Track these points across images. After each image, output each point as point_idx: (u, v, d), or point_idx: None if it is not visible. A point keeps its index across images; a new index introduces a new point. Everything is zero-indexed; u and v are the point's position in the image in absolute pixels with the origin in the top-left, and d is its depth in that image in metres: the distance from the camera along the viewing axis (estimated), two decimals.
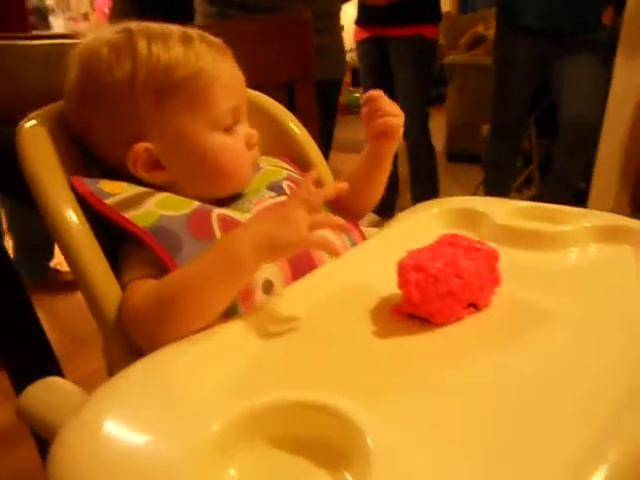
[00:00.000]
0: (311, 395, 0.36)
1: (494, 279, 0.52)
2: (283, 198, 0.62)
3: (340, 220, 0.53)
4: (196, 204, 0.56)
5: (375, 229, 0.73)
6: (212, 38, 0.60)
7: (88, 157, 0.59)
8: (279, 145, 0.73)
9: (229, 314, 0.49)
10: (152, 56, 0.55)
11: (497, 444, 0.35)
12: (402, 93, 2.20)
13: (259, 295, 0.53)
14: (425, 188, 2.41)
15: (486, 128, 2.28)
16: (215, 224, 0.55)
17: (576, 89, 1.93)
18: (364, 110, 0.66)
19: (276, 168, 0.68)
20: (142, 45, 0.55)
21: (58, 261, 2.04)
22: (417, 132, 2.27)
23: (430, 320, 0.49)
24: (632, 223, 0.64)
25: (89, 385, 0.49)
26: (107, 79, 0.54)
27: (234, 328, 0.47)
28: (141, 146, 0.56)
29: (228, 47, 0.61)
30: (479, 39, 3.29)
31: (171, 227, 0.52)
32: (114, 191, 0.54)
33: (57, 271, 2.05)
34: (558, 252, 0.62)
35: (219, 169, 0.59)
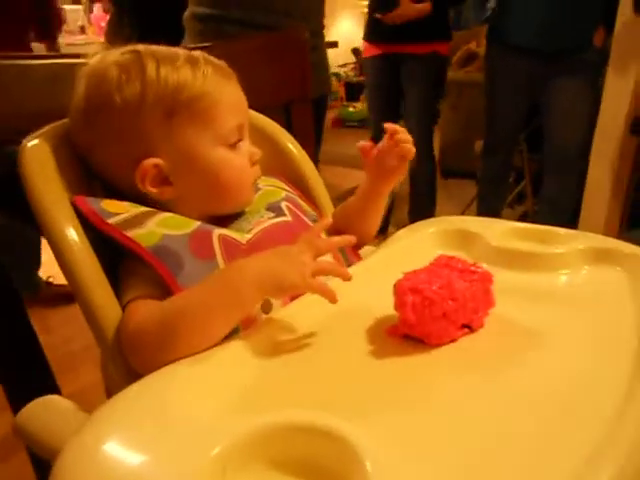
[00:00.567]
0: (310, 418, 0.36)
1: (488, 301, 0.53)
2: (282, 219, 0.64)
3: (343, 270, 0.54)
4: (197, 224, 0.57)
5: (372, 247, 0.74)
6: (216, 61, 0.61)
7: (90, 176, 0.59)
8: (277, 165, 0.74)
9: (228, 334, 0.49)
10: (160, 78, 0.56)
11: (494, 463, 0.35)
12: (412, 109, 2.26)
13: (257, 313, 0.54)
14: (424, 203, 2.45)
15: (479, 144, 2.30)
16: (216, 244, 0.56)
17: (562, 118, 1.96)
18: (385, 143, 0.66)
19: (274, 189, 0.69)
20: (151, 67, 0.56)
21: (50, 274, 2.05)
22: (423, 147, 2.31)
23: (425, 341, 0.50)
24: (624, 246, 0.65)
25: (82, 399, 0.49)
26: (116, 99, 0.55)
27: (233, 349, 0.47)
28: (150, 162, 0.56)
29: (231, 69, 0.62)
30: (472, 56, 3.32)
31: (173, 246, 0.53)
32: (116, 211, 0.55)
33: (49, 284, 2.05)
34: (551, 274, 0.63)
35: (224, 183, 0.60)
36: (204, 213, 0.60)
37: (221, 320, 0.48)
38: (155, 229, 0.54)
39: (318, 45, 1.45)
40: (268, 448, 0.35)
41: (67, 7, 3.32)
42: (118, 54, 0.58)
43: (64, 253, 0.52)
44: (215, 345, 0.47)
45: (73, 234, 0.53)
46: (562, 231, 0.70)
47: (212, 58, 0.61)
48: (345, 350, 0.50)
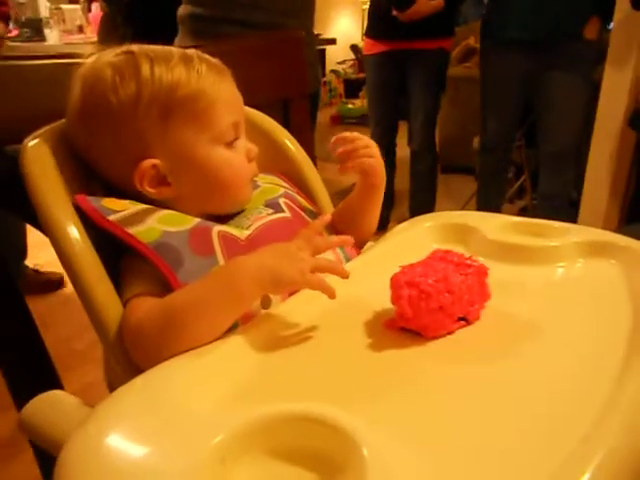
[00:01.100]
0: (308, 408, 0.37)
1: (484, 294, 0.54)
2: (281, 215, 0.64)
3: (341, 267, 0.55)
4: (197, 220, 0.57)
5: (370, 242, 0.75)
6: (211, 59, 0.62)
7: (89, 175, 0.60)
8: (275, 161, 0.75)
9: (228, 329, 0.50)
10: (155, 77, 0.56)
11: (490, 453, 0.36)
12: (419, 105, 2.28)
13: (257, 308, 0.54)
14: (424, 197, 2.46)
15: (477, 140, 2.31)
16: (215, 240, 0.56)
17: (556, 112, 1.96)
18: (339, 150, 0.67)
19: (273, 186, 0.70)
20: (146, 67, 0.57)
21: (37, 262, 2.10)
22: (426, 140, 2.33)
23: (422, 334, 0.50)
24: (619, 239, 0.65)
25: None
26: (111, 100, 0.56)
27: (233, 342, 0.48)
28: (148, 163, 0.57)
29: (225, 66, 0.63)
30: (470, 51, 3.32)
31: (173, 243, 0.54)
32: (117, 208, 0.55)
33: (36, 271, 2.10)
34: (547, 267, 0.64)
35: (222, 182, 0.61)
36: (203, 211, 0.61)
37: (221, 315, 0.49)
38: (155, 226, 0.55)
39: (308, 42, 1.45)
40: (267, 438, 0.36)
41: (65, 7, 3.32)
42: (112, 54, 0.58)
43: (66, 251, 0.53)
44: (215, 340, 0.48)
45: (75, 232, 0.54)
46: (557, 224, 0.70)
47: (206, 56, 0.61)
48: (343, 343, 0.51)
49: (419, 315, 0.49)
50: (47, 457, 0.40)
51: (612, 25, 2.00)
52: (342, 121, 5.05)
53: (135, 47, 0.59)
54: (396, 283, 0.51)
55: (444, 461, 0.35)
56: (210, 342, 0.48)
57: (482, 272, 0.54)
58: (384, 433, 0.36)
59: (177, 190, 0.59)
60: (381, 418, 0.40)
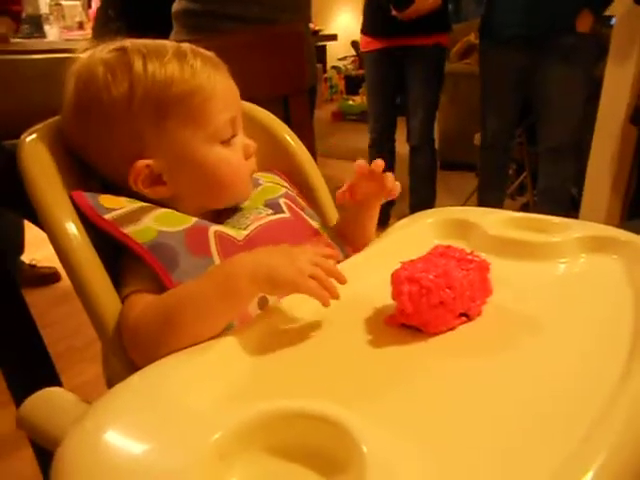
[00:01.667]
0: (308, 404, 0.37)
1: (485, 289, 0.54)
2: (280, 216, 0.64)
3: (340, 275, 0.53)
4: (194, 220, 0.57)
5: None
6: (205, 52, 0.61)
7: (87, 171, 0.60)
8: (275, 157, 0.74)
9: (225, 328, 0.50)
10: (148, 74, 0.55)
11: (490, 449, 0.36)
12: (418, 102, 2.28)
13: (254, 309, 0.54)
14: (424, 193, 2.46)
15: (479, 137, 2.31)
16: (212, 241, 0.56)
17: (554, 108, 1.98)
18: (363, 176, 0.65)
19: (274, 185, 0.69)
20: (138, 63, 0.55)
21: (34, 258, 2.13)
22: (425, 136, 2.33)
23: (423, 330, 0.50)
24: (621, 234, 0.65)
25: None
26: (104, 98, 0.55)
27: (231, 339, 0.48)
28: (142, 163, 0.56)
29: (222, 60, 0.62)
30: (471, 48, 3.32)
31: (168, 243, 0.53)
32: (113, 206, 0.55)
33: (32, 266, 2.14)
34: (548, 262, 0.63)
35: (219, 181, 0.60)
36: (200, 208, 0.60)
37: (217, 312, 0.48)
38: (151, 225, 0.54)
39: (307, 37, 1.45)
40: (266, 435, 0.36)
41: (65, 3, 3.31)
42: (106, 51, 0.57)
43: (64, 247, 0.53)
44: (213, 337, 0.48)
45: (73, 229, 0.53)
46: (560, 220, 0.70)
47: (201, 50, 0.60)
48: (343, 340, 0.51)
49: (420, 311, 0.49)
50: (46, 454, 0.40)
51: (614, 21, 2.00)
52: (343, 117, 5.04)
53: (128, 43, 0.58)
54: (397, 279, 0.50)
55: (445, 458, 0.35)
56: (209, 338, 0.48)
57: (484, 267, 0.53)
58: (384, 430, 0.35)
59: (173, 189, 0.59)
60: (381, 415, 0.39)
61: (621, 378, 0.41)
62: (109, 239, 0.53)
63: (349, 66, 5.81)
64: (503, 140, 2.17)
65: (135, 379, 0.43)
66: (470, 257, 0.54)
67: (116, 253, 0.55)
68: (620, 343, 0.46)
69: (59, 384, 0.65)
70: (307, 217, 0.67)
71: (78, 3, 3.39)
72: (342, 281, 0.52)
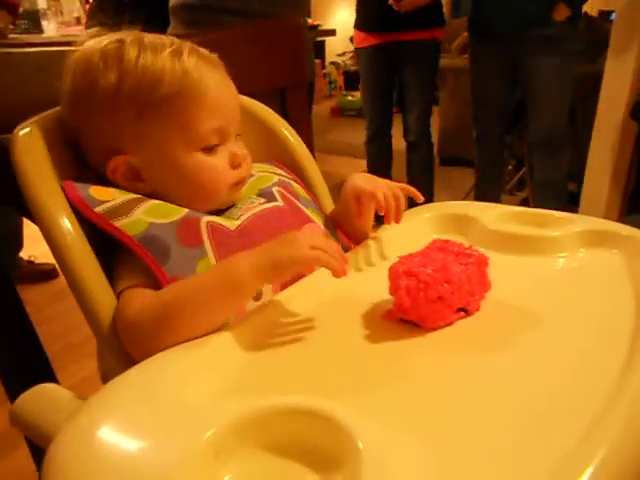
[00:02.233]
0: (303, 400, 0.36)
1: (484, 284, 0.53)
2: (273, 204, 0.63)
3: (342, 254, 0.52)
4: (185, 211, 0.56)
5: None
6: (204, 52, 0.60)
7: (82, 162, 0.59)
8: (272, 151, 0.74)
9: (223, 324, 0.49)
10: (138, 68, 0.55)
11: (488, 446, 0.35)
12: (414, 96, 2.27)
13: (249, 303, 0.53)
14: (422, 188, 2.44)
15: None
16: (204, 232, 0.55)
17: (540, 98, 2.00)
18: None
19: (267, 174, 0.68)
20: (130, 56, 0.55)
21: (33, 254, 2.12)
22: (421, 131, 2.32)
23: (421, 325, 0.50)
24: (621, 228, 0.65)
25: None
26: (96, 87, 0.55)
27: (227, 335, 0.47)
28: (120, 159, 0.56)
29: (220, 60, 0.61)
30: None
31: (160, 235, 0.53)
32: (104, 198, 0.54)
33: (30, 262, 2.13)
34: (548, 257, 0.63)
35: (198, 187, 0.58)
36: (186, 206, 0.58)
37: (218, 307, 0.48)
38: (142, 217, 0.53)
39: (305, 32, 1.45)
40: (261, 431, 0.35)
41: None
42: (107, 41, 0.57)
43: (57, 242, 0.52)
44: (210, 332, 0.47)
45: (66, 223, 0.53)
46: (559, 214, 0.69)
47: (201, 51, 0.59)
48: (340, 335, 0.50)
49: (418, 306, 0.48)
50: (43, 452, 0.39)
51: (614, 15, 1.99)
52: (342, 113, 5.03)
53: (131, 35, 0.57)
54: (394, 273, 0.50)
55: (442, 455, 0.35)
56: (208, 333, 0.47)
57: (482, 262, 0.53)
58: (380, 426, 0.35)
59: (151, 187, 0.58)
60: (377, 411, 0.39)
61: (621, 374, 0.41)
62: (102, 233, 0.53)
63: (348, 62, 5.79)
64: (494, 132, 2.19)
65: (130, 374, 0.43)
66: (469, 251, 0.53)
67: (111, 246, 0.55)
68: (620, 338, 0.46)
69: (55, 381, 0.65)
70: (301, 206, 0.66)
71: None
72: (344, 260, 0.51)
